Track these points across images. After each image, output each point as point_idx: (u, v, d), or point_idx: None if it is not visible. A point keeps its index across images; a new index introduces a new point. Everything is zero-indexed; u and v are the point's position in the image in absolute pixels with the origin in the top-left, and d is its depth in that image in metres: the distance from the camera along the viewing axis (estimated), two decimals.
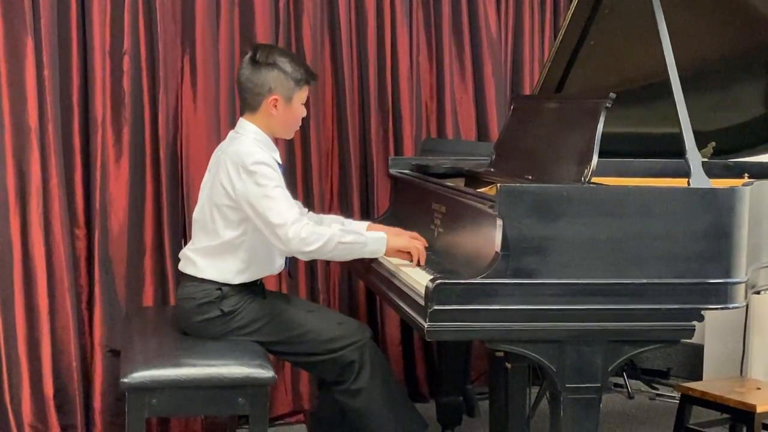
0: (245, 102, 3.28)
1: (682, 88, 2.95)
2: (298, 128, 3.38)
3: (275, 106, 3.22)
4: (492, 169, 3.64)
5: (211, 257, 3.22)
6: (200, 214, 3.28)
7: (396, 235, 3.26)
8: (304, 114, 3.33)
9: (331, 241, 3.10)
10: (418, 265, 3.18)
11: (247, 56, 3.26)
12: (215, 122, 3.99)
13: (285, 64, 3.22)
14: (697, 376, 4.75)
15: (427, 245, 3.30)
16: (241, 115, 3.31)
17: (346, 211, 4.29)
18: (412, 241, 3.23)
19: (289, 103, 3.25)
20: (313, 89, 4.16)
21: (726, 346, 4.59)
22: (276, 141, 3.34)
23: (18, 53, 3.66)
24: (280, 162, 3.26)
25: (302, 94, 3.28)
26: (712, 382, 3.86)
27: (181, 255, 3.35)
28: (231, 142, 3.25)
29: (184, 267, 3.30)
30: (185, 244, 3.56)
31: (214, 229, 3.21)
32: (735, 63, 3.72)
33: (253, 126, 3.25)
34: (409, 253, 3.21)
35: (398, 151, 4.40)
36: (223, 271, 3.21)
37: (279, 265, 3.34)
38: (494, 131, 4.54)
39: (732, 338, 4.52)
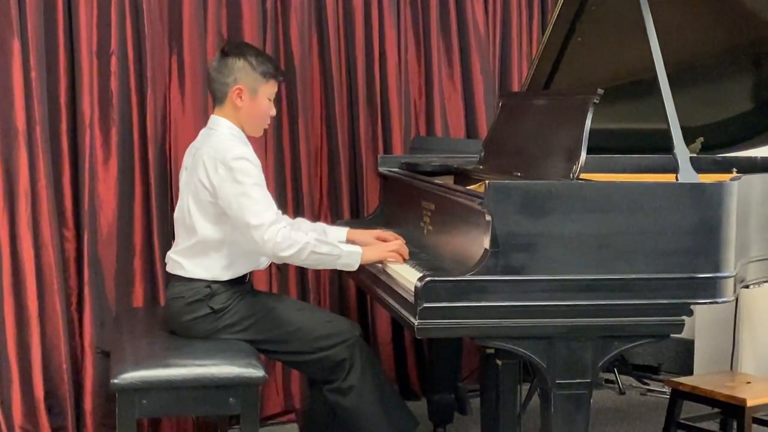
0: (214, 95, 3.28)
1: (670, 84, 2.95)
2: (267, 126, 3.35)
3: (240, 96, 3.21)
4: (481, 167, 3.65)
5: (196, 257, 3.21)
6: (180, 212, 3.28)
7: (371, 248, 3.24)
8: (273, 112, 3.31)
9: (305, 249, 3.08)
10: (405, 260, 3.18)
11: (219, 51, 3.29)
12: (203, 122, 3.93)
13: (251, 56, 3.23)
14: (688, 370, 4.76)
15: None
16: (213, 110, 3.30)
17: (336, 210, 4.29)
18: (386, 252, 3.20)
19: (254, 95, 3.23)
20: (302, 88, 4.18)
21: (716, 341, 4.60)
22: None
23: (5, 55, 3.64)
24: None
25: (269, 89, 3.26)
26: (702, 376, 3.87)
27: (167, 258, 3.34)
28: (206, 139, 3.24)
29: (172, 269, 3.30)
30: None
31: (192, 225, 3.20)
32: (722, 58, 3.72)
33: (226, 121, 3.25)
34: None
35: (387, 149, 4.40)
36: (210, 268, 3.21)
37: (264, 260, 3.33)
38: (483, 128, 4.54)
39: (722, 333, 4.53)
